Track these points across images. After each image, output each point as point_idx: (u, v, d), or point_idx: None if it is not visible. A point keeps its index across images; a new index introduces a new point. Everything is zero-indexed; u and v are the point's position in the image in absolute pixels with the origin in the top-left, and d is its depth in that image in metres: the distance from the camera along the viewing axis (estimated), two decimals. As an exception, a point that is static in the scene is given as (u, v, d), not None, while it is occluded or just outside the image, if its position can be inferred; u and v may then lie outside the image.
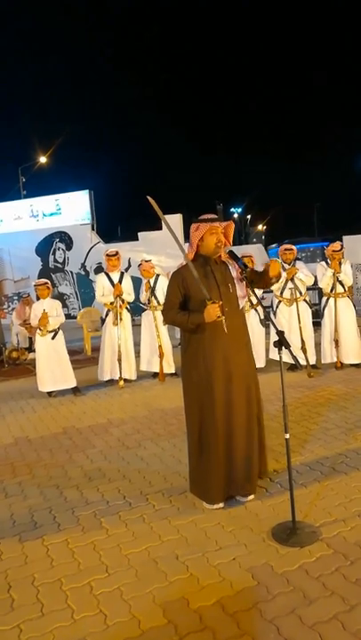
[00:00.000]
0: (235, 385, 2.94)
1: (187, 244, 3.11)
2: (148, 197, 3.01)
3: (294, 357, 2.83)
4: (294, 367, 6.21)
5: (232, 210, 43.59)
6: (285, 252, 6.25)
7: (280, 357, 2.68)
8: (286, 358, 6.12)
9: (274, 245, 31.66)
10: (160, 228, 13.90)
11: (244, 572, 2.39)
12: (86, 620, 2.17)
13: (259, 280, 3.02)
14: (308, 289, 6.46)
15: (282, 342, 2.61)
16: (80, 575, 2.49)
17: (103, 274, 6.57)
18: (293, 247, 6.30)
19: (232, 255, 2.98)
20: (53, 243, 14.92)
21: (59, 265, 14.82)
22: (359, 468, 3.40)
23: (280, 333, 2.65)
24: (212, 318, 2.82)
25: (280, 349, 2.64)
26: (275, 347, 2.65)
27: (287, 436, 2.70)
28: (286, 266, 6.23)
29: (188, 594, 2.27)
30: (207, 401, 2.94)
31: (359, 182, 41.33)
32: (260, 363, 5.84)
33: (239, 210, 44.88)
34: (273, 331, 5.79)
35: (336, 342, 6.21)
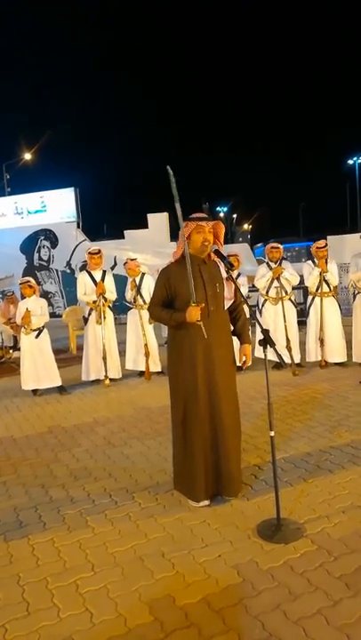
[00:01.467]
0: (218, 384, 2.96)
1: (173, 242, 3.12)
2: (168, 168, 2.83)
3: (279, 356, 2.86)
4: (279, 366, 6.25)
5: (218, 209, 43.75)
6: (272, 250, 6.30)
7: (265, 356, 2.70)
8: (271, 356, 6.17)
9: (259, 244, 31.82)
10: (146, 227, 13.90)
11: (230, 569, 2.41)
12: (72, 618, 2.17)
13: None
14: (292, 288, 6.51)
15: (267, 341, 2.63)
16: (66, 574, 2.48)
17: (85, 272, 6.53)
18: (280, 246, 6.35)
19: (218, 254, 3.00)
20: (38, 240, 14.80)
21: (43, 263, 14.71)
22: (343, 465, 3.44)
23: (265, 332, 2.67)
24: (192, 320, 2.84)
25: (265, 348, 2.66)
26: (260, 345, 2.67)
27: (272, 433, 2.72)
28: (273, 264, 6.27)
29: (174, 591, 2.28)
30: (191, 399, 2.95)
31: (345, 184, 41.69)
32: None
33: (225, 209, 45.06)
34: (258, 329, 5.83)
35: (321, 341, 6.27)
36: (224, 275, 3.07)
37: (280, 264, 6.28)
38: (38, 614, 2.21)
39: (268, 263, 6.36)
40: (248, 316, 6.09)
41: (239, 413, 3.14)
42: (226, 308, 3.06)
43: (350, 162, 41.25)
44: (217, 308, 2.99)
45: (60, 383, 6.11)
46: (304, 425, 4.31)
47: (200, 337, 2.89)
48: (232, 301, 3.11)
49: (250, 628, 2.02)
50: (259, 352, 6.22)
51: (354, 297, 6.31)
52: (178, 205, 2.86)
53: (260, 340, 2.66)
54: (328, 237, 10.73)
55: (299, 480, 3.27)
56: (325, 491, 3.10)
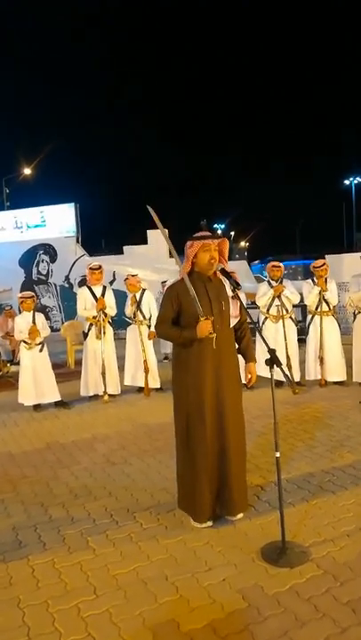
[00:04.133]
0: (225, 402, 2.95)
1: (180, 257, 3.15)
2: (149, 207, 3.03)
3: (286, 376, 2.85)
4: (279, 383, 6.24)
5: (215, 226, 44.06)
6: (273, 268, 6.32)
7: (271, 375, 2.69)
8: (276, 376, 6.15)
9: (256, 262, 32.02)
10: (146, 243, 13.95)
11: (235, 594, 2.36)
12: (74, 643, 2.11)
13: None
14: (292, 306, 6.52)
15: (274, 360, 2.62)
16: (67, 597, 2.43)
17: (85, 287, 6.52)
18: (281, 264, 6.38)
19: (224, 273, 3.00)
20: (37, 255, 14.80)
21: (42, 277, 14.70)
22: (346, 486, 3.41)
23: (272, 351, 2.66)
24: (203, 334, 2.85)
25: (272, 367, 2.65)
26: (266, 364, 2.66)
27: (278, 454, 2.70)
28: (274, 283, 6.29)
29: (179, 616, 2.24)
30: (196, 418, 2.93)
31: (342, 203, 42.15)
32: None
33: (222, 226, 45.38)
34: (260, 348, 5.87)
35: (321, 360, 6.27)
36: (229, 293, 3.07)
37: (281, 282, 6.30)
38: (39, 639, 2.15)
39: (269, 281, 6.38)
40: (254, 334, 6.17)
41: (245, 432, 3.11)
42: (232, 325, 3.06)
43: (347, 182, 41.80)
44: (223, 326, 2.99)
45: (59, 398, 6.07)
46: (305, 445, 4.28)
47: (207, 353, 2.89)
48: (238, 319, 3.11)
49: (257, 655, 1.98)
50: (261, 370, 6.22)
51: (354, 316, 6.33)
52: (162, 232, 3.25)
53: (266, 360, 2.65)
54: (326, 256, 10.81)
55: (302, 502, 3.24)
56: (329, 513, 3.06)
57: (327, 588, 2.35)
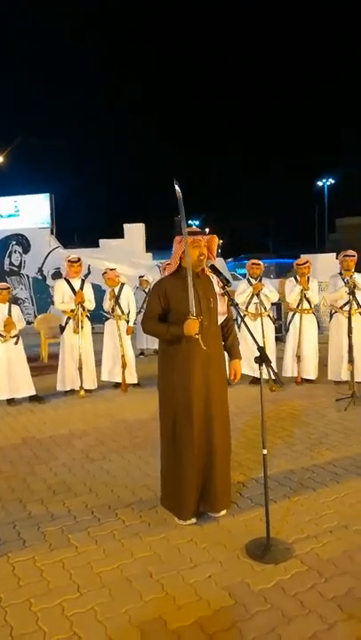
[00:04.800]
0: (212, 399, 2.94)
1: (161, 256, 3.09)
2: (176, 186, 2.85)
3: (275, 374, 2.85)
4: (256, 381, 6.28)
5: (190, 222, 43.99)
6: (253, 266, 6.35)
7: (260, 373, 2.69)
8: (254, 373, 6.18)
9: (230, 259, 32.15)
10: (121, 237, 13.81)
11: (221, 591, 2.36)
12: (59, 643, 2.07)
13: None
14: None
15: (263, 358, 2.62)
16: (50, 595, 2.38)
17: (63, 280, 6.38)
18: (261, 262, 6.41)
19: (214, 269, 2.99)
20: (10, 245, 14.48)
21: (14, 268, 14.39)
22: (326, 483, 3.46)
23: (261, 349, 2.66)
24: (190, 333, 2.82)
25: (261, 365, 2.65)
26: (255, 362, 2.66)
27: (265, 451, 2.71)
28: (253, 280, 6.32)
29: (165, 614, 2.22)
30: (184, 416, 2.91)
31: (315, 203, 42.76)
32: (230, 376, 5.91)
33: (197, 222, 45.36)
34: (244, 345, 5.90)
35: (298, 358, 6.34)
36: (217, 290, 3.06)
37: (260, 280, 6.33)
38: (23, 638, 2.10)
39: (248, 279, 6.41)
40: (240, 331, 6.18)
41: (230, 429, 3.11)
42: (219, 322, 3.05)
43: (320, 183, 42.43)
44: (210, 323, 2.97)
45: (34, 392, 5.95)
46: (285, 442, 4.31)
47: (195, 351, 2.86)
48: (225, 316, 3.09)
49: (246, 652, 1.97)
50: (244, 368, 6.25)
51: (331, 316, 6.43)
52: (183, 222, 2.84)
53: (255, 358, 2.65)
54: (302, 256, 10.95)
55: (284, 498, 3.26)
56: (311, 510, 3.09)
57: (312, 584, 2.37)
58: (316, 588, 2.35)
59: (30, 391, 5.93)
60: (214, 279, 3.07)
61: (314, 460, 3.91)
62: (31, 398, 5.98)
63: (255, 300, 6.26)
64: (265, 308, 6.30)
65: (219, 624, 2.14)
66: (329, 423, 4.80)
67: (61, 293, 6.27)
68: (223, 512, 3.04)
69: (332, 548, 2.66)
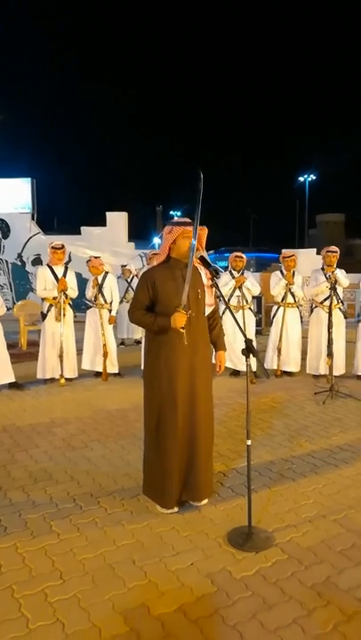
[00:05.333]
0: (197, 390, 2.96)
1: (160, 243, 3.07)
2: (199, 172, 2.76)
3: (262, 366, 2.88)
4: (236, 373, 6.35)
5: (171, 213, 43.82)
6: (236, 259, 6.38)
7: (247, 364, 2.72)
8: (232, 365, 6.24)
9: (211, 252, 32.19)
10: (102, 225, 13.69)
11: (203, 578, 2.39)
12: (43, 629, 2.07)
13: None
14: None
15: (250, 350, 2.65)
16: (33, 582, 2.37)
17: (46, 266, 6.29)
18: (244, 255, 6.45)
19: (203, 261, 2.99)
20: (-11, 229, 14.24)
21: (-7, 253, 14.16)
22: (305, 474, 3.53)
23: (248, 341, 2.69)
24: (177, 326, 2.82)
25: (248, 357, 2.68)
26: (242, 354, 2.69)
27: (249, 442, 2.75)
28: (235, 273, 6.35)
29: (149, 600, 2.24)
30: (169, 407, 2.92)
31: (295, 199, 43.12)
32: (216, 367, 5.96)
33: (178, 214, 45.21)
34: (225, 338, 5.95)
35: (278, 351, 6.42)
36: (205, 281, 3.07)
37: (242, 273, 6.37)
38: (6, 625, 2.10)
39: (230, 272, 6.44)
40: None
41: (213, 420, 3.14)
42: (206, 314, 3.06)
43: (301, 179, 42.73)
44: (198, 314, 2.98)
45: (13, 379, 5.88)
46: (265, 433, 4.38)
47: (182, 344, 2.87)
48: (212, 308, 3.11)
49: (229, 638, 2.01)
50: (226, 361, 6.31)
51: (311, 310, 6.52)
52: (198, 212, 2.76)
53: (242, 350, 2.67)
54: (283, 250, 11.04)
55: (264, 488, 3.31)
56: (291, 499, 3.15)
57: (292, 572, 2.42)
58: (296, 575, 2.40)
59: (10, 378, 5.86)
60: (202, 270, 3.08)
61: (293, 451, 3.98)
62: (10, 385, 5.91)
63: (237, 292, 6.31)
64: (246, 301, 6.35)
65: (201, 610, 2.17)
66: (308, 415, 4.88)
67: (44, 280, 6.19)
68: (205, 501, 3.08)
69: (311, 537, 2.72)
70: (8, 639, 2.01)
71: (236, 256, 6.43)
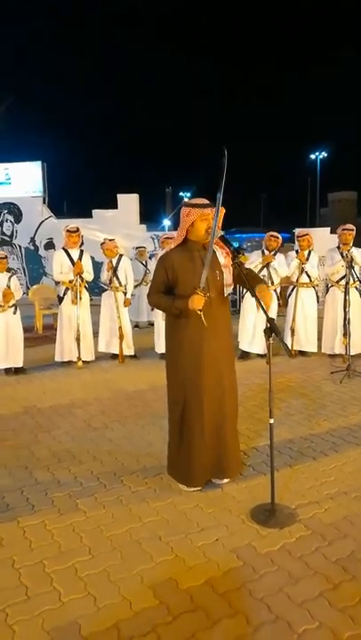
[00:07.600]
0: (222, 370, 2.97)
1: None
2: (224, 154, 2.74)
3: (285, 345, 2.86)
4: (245, 355, 6.33)
5: (181, 194, 43.50)
6: (271, 238, 6.28)
7: (269, 344, 2.72)
8: (253, 349, 6.23)
9: (222, 232, 31.93)
10: (114, 207, 13.63)
11: (229, 553, 2.44)
12: (75, 602, 2.14)
13: (244, 285, 2.99)
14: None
15: (273, 329, 2.65)
16: (62, 557, 2.44)
17: (62, 250, 6.31)
18: (279, 236, 6.34)
19: (224, 240, 2.98)
20: (1, 214, 14.26)
21: (6, 238, 14.20)
22: (325, 452, 3.55)
23: (271, 320, 2.68)
24: (195, 307, 2.80)
25: (270, 336, 2.68)
26: (265, 334, 2.69)
27: (272, 421, 2.77)
28: (267, 252, 6.27)
29: (176, 574, 2.29)
30: (193, 388, 2.93)
31: (306, 177, 42.45)
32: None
33: (188, 195, 44.84)
34: (247, 319, 6.01)
35: (292, 331, 6.41)
36: (222, 261, 3.04)
37: (275, 254, 6.27)
38: (39, 598, 2.16)
39: (263, 251, 6.36)
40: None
41: (238, 400, 3.16)
42: (226, 294, 3.05)
43: (312, 156, 42.01)
44: (217, 295, 2.98)
45: (21, 364, 5.92)
46: (283, 412, 4.40)
47: (202, 325, 2.87)
48: (231, 287, 3.09)
49: (256, 610, 2.06)
50: (246, 345, 6.28)
51: (327, 290, 6.48)
52: (220, 195, 2.74)
53: (264, 329, 2.67)
54: (297, 230, 10.93)
55: (285, 466, 3.35)
56: (312, 477, 3.18)
57: (316, 547, 2.46)
58: (320, 550, 2.44)
59: (18, 363, 5.91)
60: (219, 250, 3.04)
61: (312, 429, 4.00)
62: (17, 370, 5.94)
63: (264, 272, 6.21)
64: (272, 282, 6.22)
65: (229, 584, 2.22)
66: (325, 395, 4.89)
67: (60, 264, 6.21)
68: (226, 480, 3.12)
69: (333, 513, 2.75)
70: (42, 611, 2.08)
71: (272, 235, 6.32)
